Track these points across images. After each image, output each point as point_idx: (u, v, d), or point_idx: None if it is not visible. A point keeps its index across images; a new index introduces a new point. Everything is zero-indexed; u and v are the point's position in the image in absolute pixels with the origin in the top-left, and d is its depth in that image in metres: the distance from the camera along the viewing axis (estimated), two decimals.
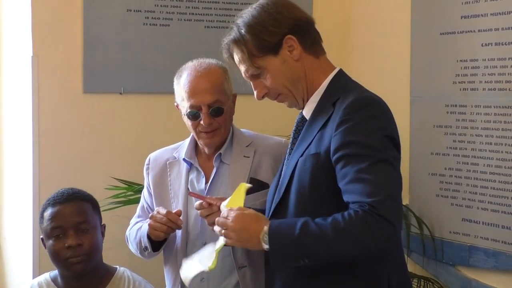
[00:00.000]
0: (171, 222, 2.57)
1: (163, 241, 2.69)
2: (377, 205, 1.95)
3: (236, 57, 2.28)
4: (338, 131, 2.07)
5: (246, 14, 2.25)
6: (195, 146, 2.78)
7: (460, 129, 3.49)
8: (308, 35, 2.24)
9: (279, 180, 2.30)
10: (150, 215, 2.64)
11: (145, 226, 2.68)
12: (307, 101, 2.27)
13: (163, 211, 2.60)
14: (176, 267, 2.69)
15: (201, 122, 2.62)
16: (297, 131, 2.29)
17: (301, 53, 2.22)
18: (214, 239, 2.50)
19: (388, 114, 2.15)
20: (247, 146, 2.73)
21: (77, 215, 2.63)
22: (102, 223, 2.76)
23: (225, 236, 2.15)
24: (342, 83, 2.24)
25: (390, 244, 2.01)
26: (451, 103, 3.52)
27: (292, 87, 2.25)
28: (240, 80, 2.36)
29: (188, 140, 2.80)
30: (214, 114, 2.62)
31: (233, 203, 2.25)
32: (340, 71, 2.29)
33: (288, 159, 2.28)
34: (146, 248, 2.68)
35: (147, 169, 2.84)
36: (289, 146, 2.33)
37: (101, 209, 2.80)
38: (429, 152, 3.64)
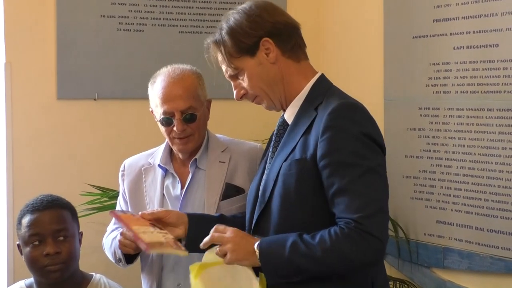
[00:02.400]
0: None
1: (137, 254, 2.66)
2: (363, 221, 2.00)
3: (218, 58, 2.30)
4: (324, 137, 2.08)
5: (231, 16, 2.27)
6: (170, 151, 2.77)
7: (434, 132, 3.49)
8: (287, 39, 2.25)
9: (259, 185, 2.29)
10: (120, 231, 2.61)
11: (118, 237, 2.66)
12: (286, 104, 2.28)
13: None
14: (152, 275, 2.70)
15: (174, 128, 2.62)
16: (279, 135, 2.29)
17: (278, 56, 2.23)
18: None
19: (372, 119, 2.16)
20: (222, 152, 2.73)
21: (56, 222, 2.61)
22: (80, 231, 2.75)
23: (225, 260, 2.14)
24: (324, 88, 2.25)
25: (378, 258, 2.07)
26: (424, 106, 3.53)
27: (268, 90, 2.25)
28: (222, 82, 2.36)
29: (163, 146, 2.79)
30: (187, 121, 2.62)
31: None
32: (322, 75, 2.30)
33: (270, 163, 2.28)
34: (120, 259, 2.66)
35: (122, 175, 2.83)
36: (270, 150, 2.33)
37: None
38: (403, 155, 3.64)
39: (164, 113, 2.62)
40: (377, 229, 2.01)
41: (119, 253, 2.63)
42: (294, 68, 2.26)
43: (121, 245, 2.54)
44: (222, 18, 2.30)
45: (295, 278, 2.07)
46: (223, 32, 2.24)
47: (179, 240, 2.35)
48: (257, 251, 2.08)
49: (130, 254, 2.60)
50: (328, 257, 2.02)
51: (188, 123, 2.62)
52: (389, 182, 3.37)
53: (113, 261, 2.74)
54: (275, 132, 2.32)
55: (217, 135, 2.81)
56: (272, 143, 2.32)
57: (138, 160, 2.83)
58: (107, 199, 3.57)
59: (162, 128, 2.67)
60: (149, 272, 2.73)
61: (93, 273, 2.80)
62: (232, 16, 2.26)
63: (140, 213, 2.41)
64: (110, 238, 2.74)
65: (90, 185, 3.65)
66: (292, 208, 2.14)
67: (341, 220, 2.04)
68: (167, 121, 2.62)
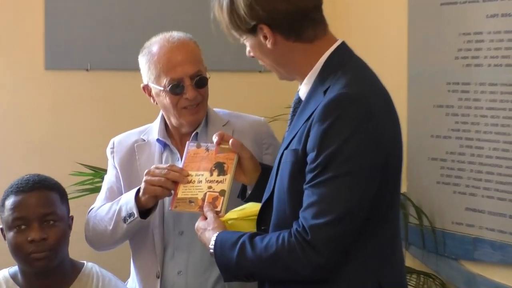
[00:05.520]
0: (174, 173, 2.45)
1: (149, 211, 2.56)
2: (312, 231, 1.99)
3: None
4: (312, 132, 2.03)
5: None
6: (165, 127, 2.72)
7: (463, 109, 3.43)
8: (290, 27, 2.10)
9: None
10: (146, 171, 2.51)
11: (130, 193, 2.56)
12: (300, 78, 2.18)
13: (164, 165, 2.52)
14: (154, 257, 2.65)
15: (184, 96, 2.56)
16: (294, 114, 2.21)
17: (279, 41, 2.11)
18: (191, 228, 2.46)
19: (371, 113, 2.01)
20: (223, 126, 2.70)
21: (43, 206, 2.49)
22: (70, 215, 2.63)
23: None
24: (338, 64, 2.10)
25: (318, 273, 2.03)
26: (453, 80, 3.46)
27: (273, 68, 2.20)
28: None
29: (157, 122, 2.75)
30: (198, 86, 2.58)
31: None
32: (340, 46, 2.14)
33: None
34: (130, 215, 2.53)
35: (112, 152, 2.75)
36: (286, 129, 2.24)
37: None
38: (428, 135, 3.59)
39: (172, 80, 2.56)
40: (323, 243, 1.99)
41: (130, 207, 2.54)
42: (304, 49, 2.12)
43: (149, 184, 2.47)
44: None
45: (250, 280, 2.16)
46: (224, 5, 2.15)
47: (244, 186, 2.49)
48: (212, 250, 2.17)
49: (146, 208, 2.53)
50: (271, 264, 2.07)
51: (199, 88, 2.59)
52: (413, 165, 3.42)
53: (109, 227, 2.62)
54: (291, 111, 2.23)
55: (215, 109, 2.77)
56: (288, 122, 2.24)
57: (128, 137, 2.76)
58: (99, 179, 3.49)
59: (167, 100, 2.58)
60: (149, 257, 2.67)
61: (85, 262, 2.68)
62: None
63: (231, 143, 2.45)
64: (107, 206, 2.66)
65: (81, 164, 3.63)
66: (285, 201, 2.11)
67: (298, 219, 2.03)
68: (176, 89, 2.55)
